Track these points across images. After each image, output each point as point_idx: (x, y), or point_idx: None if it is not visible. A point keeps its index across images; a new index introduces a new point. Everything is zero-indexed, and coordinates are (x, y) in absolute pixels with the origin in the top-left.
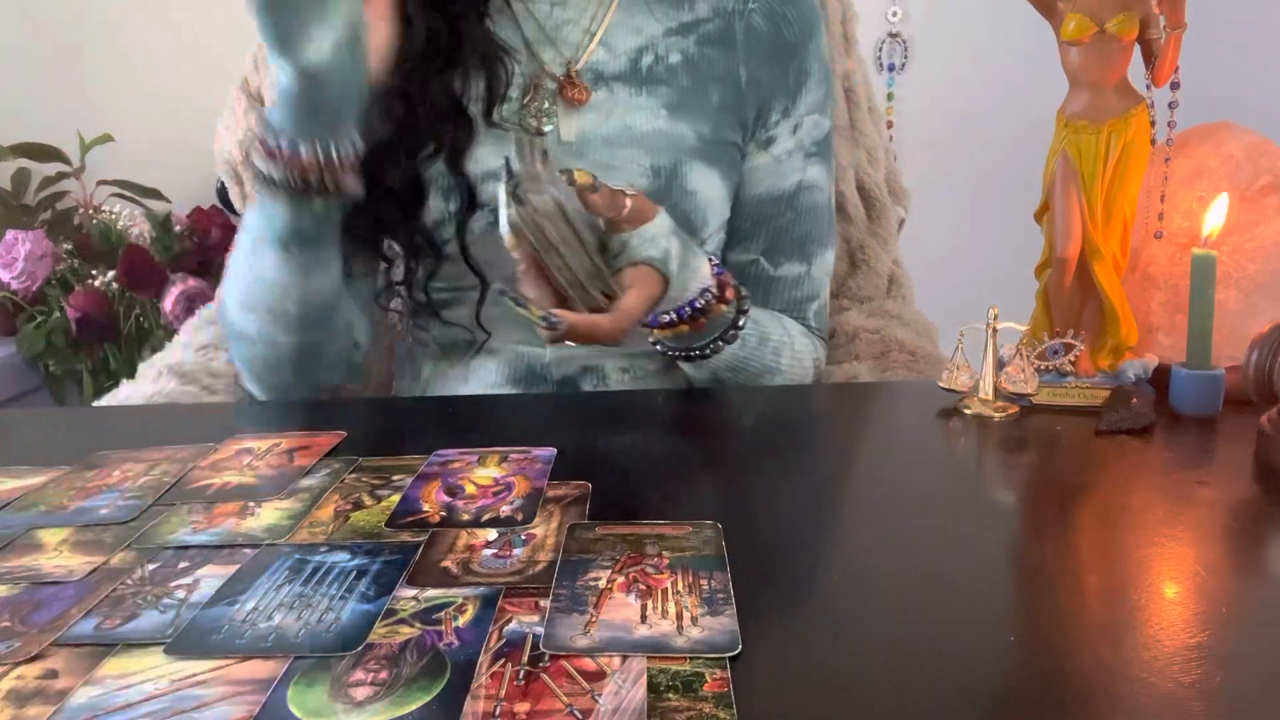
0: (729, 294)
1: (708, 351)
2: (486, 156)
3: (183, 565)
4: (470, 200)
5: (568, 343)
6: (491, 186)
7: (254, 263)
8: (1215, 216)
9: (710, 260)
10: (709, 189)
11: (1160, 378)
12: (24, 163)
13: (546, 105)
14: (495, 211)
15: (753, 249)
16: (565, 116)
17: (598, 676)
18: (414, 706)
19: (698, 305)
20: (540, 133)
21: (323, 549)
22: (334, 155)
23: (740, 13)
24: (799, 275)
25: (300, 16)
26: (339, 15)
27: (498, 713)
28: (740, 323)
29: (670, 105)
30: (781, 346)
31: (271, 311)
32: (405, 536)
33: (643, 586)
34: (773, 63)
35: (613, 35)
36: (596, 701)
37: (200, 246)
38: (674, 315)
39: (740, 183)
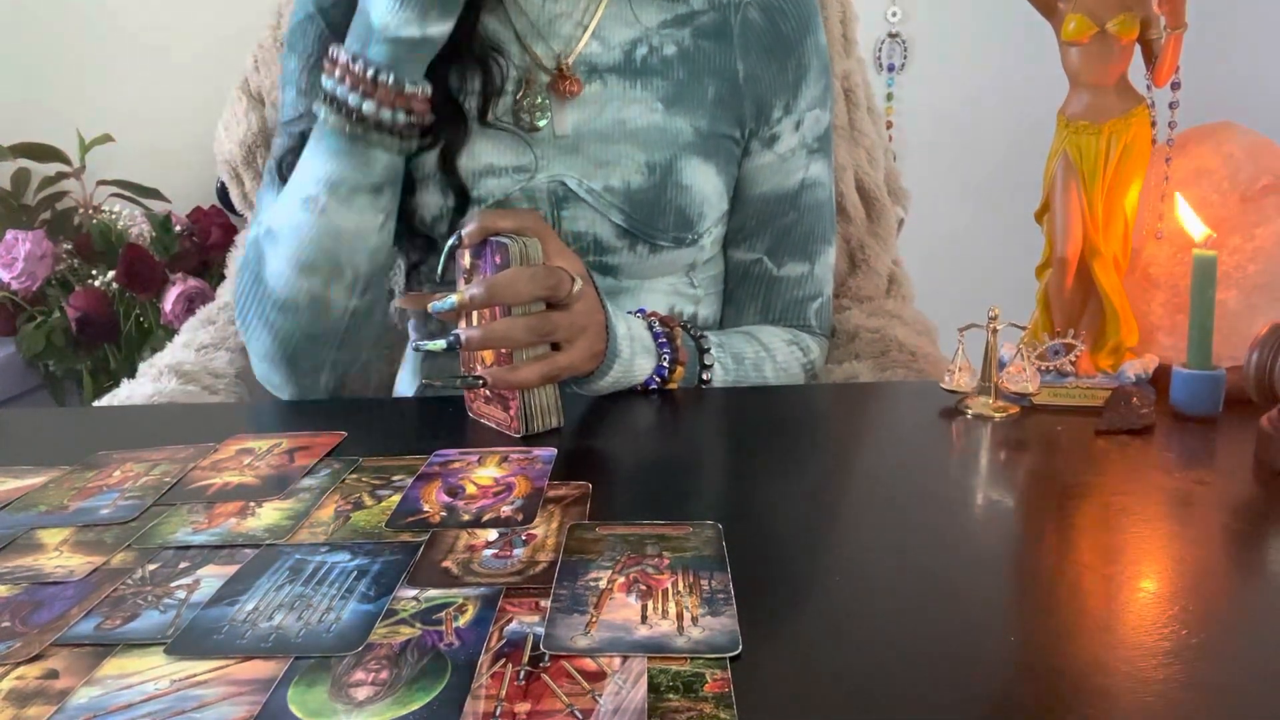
0: (682, 356)
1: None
2: (481, 152)
3: (183, 565)
4: (463, 198)
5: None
6: (489, 182)
7: (329, 219)
8: (1187, 219)
9: (655, 339)
10: (705, 184)
11: (1160, 378)
12: (24, 163)
13: (540, 100)
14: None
15: (757, 248)
16: (559, 110)
17: (598, 677)
18: (414, 707)
19: (663, 374)
20: (534, 128)
21: (323, 549)
22: (420, 90)
23: (736, 6)
24: (802, 275)
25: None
26: None
27: (498, 713)
28: (705, 376)
29: (666, 98)
30: (761, 361)
31: (339, 268)
32: (405, 537)
33: (643, 587)
34: (771, 58)
35: (605, 27)
36: (597, 702)
37: (200, 246)
38: (640, 388)
39: (744, 181)
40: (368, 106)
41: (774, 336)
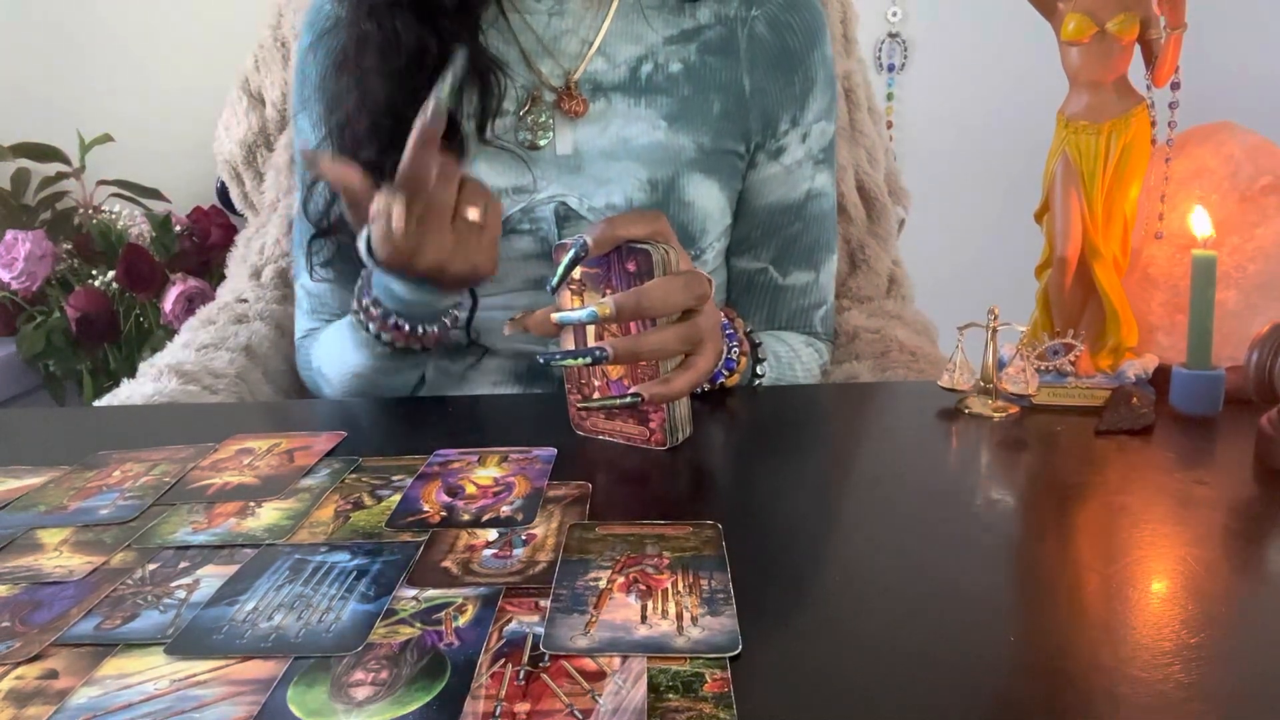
0: (745, 347)
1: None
2: (479, 175)
3: (183, 565)
4: None
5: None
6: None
7: (374, 383)
8: (1201, 227)
9: (723, 329)
10: (707, 200)
11: (1160, 378)
12: (24, 163)
13: (544, 118)
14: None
15: (762, 257)
16: (562, 129)
17: (598, 677)
18: (414, 706)
19: (731, 366)
20: (535, 147)
21: (323, 549)
22: (449, 324)
23: (743, 20)
24: (807, 284)
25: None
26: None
27: (498, 713)
28: (760, 370)
29: (669, 115)
30: (793, 360)
31: (381, 393)
32: (405, 536)
33: (643, 587)
34: (778, 72)
35: (611, 44)
36: (596, 702)
37: (200, 246)
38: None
39: (750, 192)
40: (385, 337)
41: (793, 337)
